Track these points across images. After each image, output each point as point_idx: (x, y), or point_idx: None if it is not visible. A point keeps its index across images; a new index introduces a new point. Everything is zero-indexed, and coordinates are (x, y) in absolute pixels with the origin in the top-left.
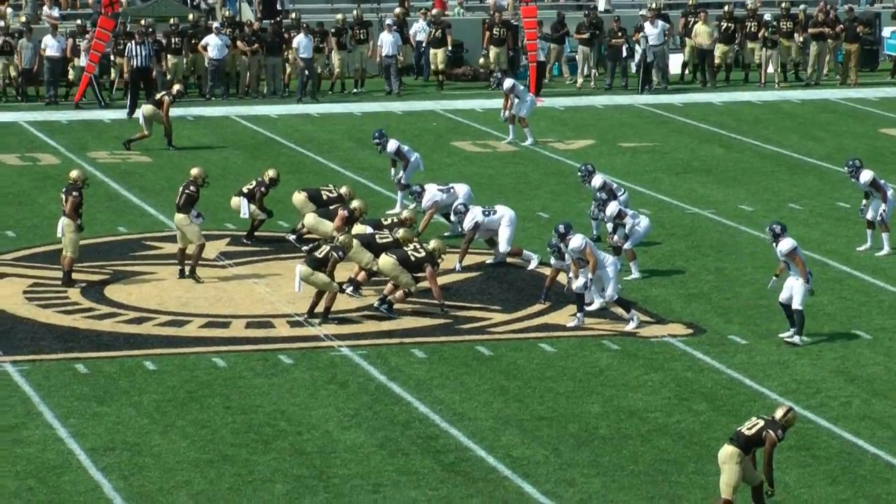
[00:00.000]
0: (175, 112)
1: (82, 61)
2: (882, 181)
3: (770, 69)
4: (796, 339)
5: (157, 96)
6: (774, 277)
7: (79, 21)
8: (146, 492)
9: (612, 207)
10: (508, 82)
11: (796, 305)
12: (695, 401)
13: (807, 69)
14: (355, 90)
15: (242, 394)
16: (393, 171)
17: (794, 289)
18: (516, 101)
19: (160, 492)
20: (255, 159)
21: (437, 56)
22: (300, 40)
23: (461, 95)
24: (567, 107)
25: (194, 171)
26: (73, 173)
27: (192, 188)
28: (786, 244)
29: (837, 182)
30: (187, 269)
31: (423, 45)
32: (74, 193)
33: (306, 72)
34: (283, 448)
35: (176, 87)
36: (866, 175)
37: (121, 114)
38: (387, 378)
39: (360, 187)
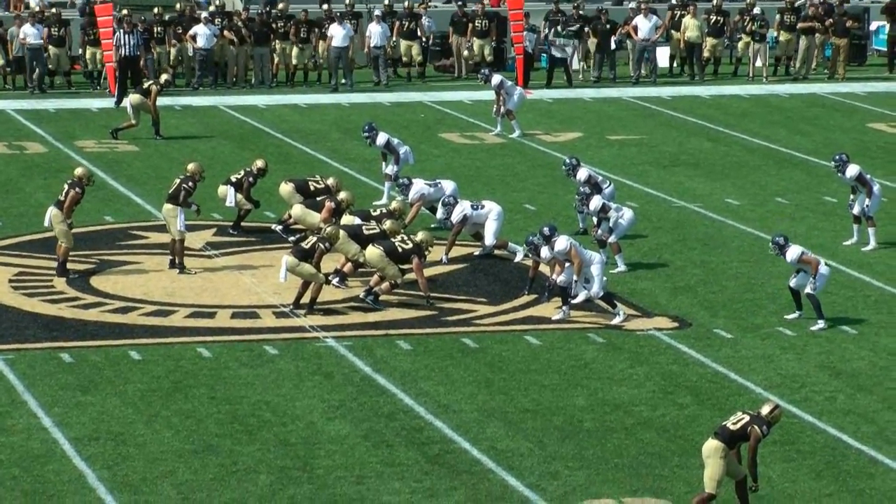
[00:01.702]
0: (163, 101)
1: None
2: (868, 176)
3: (758, 63)
4: (821, 323)
5: (145, 85)
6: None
7: (53, 10)
8: (130, 481)
9: (596, 202)
10: (496, 79)
11: (808, 290)
12: (680, 394)
13: (796, 63)
14: (343, 80)
15: (227, 384)
16: (384, 164)
17: (809, 277)
18: (505, 95)
19: (144, 481)
20: (242, 149)
21: (412, 49)
22: (335, 29)
23: (449, 87)
24: (555, 99)
25: (192, 167)
26: (79, 170)
27: (189, 184)
28: (793, 252)
29: (824, 176)
30: (177, 258)
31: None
32: (77, 189)
33: (339, 60)
34: (267, 439)
35: (164, 77)
36: (853, 170)
37: (108, 102)
38: (372, 369)
39: (347, 178)
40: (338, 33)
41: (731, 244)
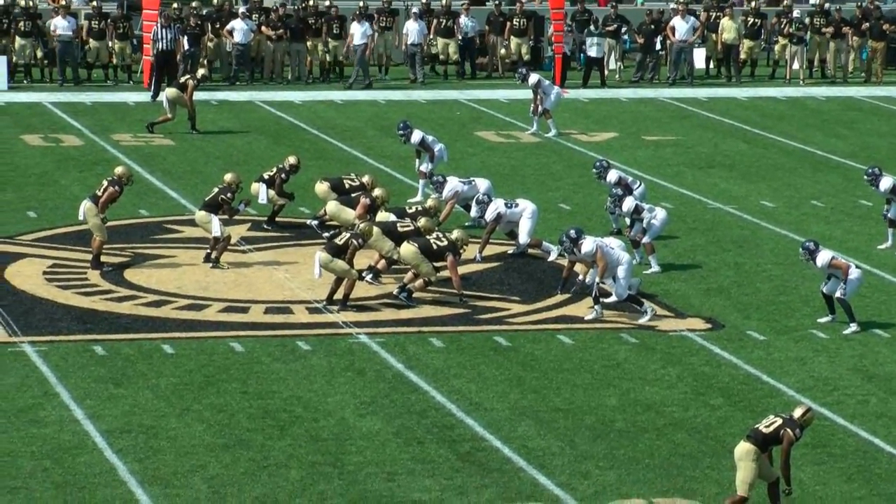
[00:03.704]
0: (199, 96)
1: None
2: None
3: (795, 65)
4: (854, 326)
5: (182, 79)
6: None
7: (94, 3)
8: (161, 475)
9: (629, 203)
10: (534, 77)
11: (839, 295)
12: (711, 395)
13: (832, 66)
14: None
15: (259, 379)
16: (418, 161)
17: (840, 283)
18: (543, 95)
19: (175, 475)
20: (277, 145)
21: (449, 47)
22: (354, 27)
23: (485, 85)
24: (591, 99)
25: (229, 177)
26: (119, 169)
27: (228, 195)
28: (823, 258)
29: (860, 180)
30: (214, 253)
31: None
32: (116, 188)
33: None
34: (298, 434)
35: (200, 71)
36: (886, 182)
37: (145, 96)
38: (404, 366)
39: (382, 175)
40: (357, 31)
41: (766, 246)
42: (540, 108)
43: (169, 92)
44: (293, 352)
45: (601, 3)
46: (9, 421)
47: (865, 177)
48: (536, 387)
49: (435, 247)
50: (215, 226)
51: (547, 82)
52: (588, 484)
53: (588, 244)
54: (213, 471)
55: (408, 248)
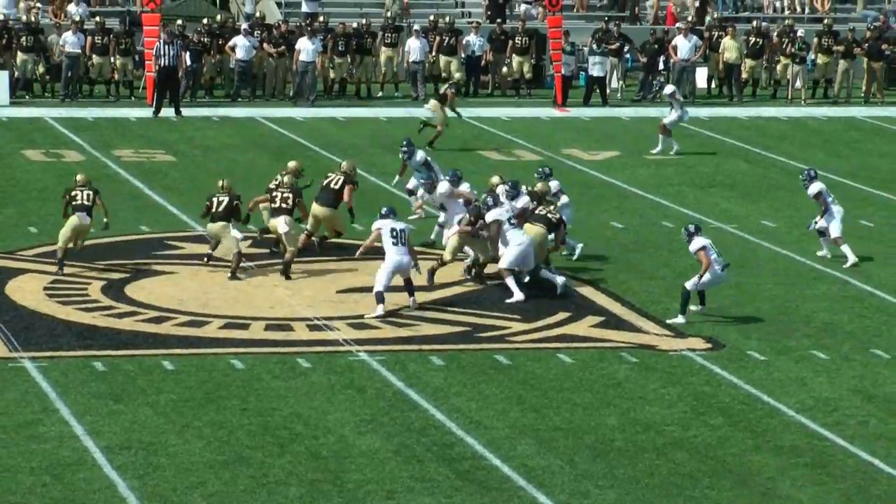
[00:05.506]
0: (201, 112)
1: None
2: (829, 198)
3: (797, 85)
4: (680, 318)
5: (441, 90)
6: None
7: (97, 18)
8: (160, 491)
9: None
10: (669, 88)
11: (688, 285)
12: (711, 415)
13: (835, 87)
14: (381, 93)
15: (259, 396)
16: (398, 177)
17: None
18: (676, 107)
19: (174, 492)
20: (279, 161)
21: (451, 64)
22: (303, 43)
23: (487, 103)
24: (592, 117)
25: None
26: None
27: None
28: (695, 244)
29: (860, 200)
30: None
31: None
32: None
33: (306, 75)
34: (298, 451)
35: (457, 75)
36: (814, 187)
37: (146, 112)
38: (404, 384)
39: (382, 192)
40: (306, 47)
41: (766, 266)
42: (666, 122)
43: (432, 104)
44: (293, 369)
45: (668, 21)
46: (8, 436)
47: (801, 175)
48: (536, 405)
49: (554, 220)
50: (232, 237)
51: (681, 98)
52: (588, 503)
53: (492, 215)
54: (212, 488)
55: (533, 230)
